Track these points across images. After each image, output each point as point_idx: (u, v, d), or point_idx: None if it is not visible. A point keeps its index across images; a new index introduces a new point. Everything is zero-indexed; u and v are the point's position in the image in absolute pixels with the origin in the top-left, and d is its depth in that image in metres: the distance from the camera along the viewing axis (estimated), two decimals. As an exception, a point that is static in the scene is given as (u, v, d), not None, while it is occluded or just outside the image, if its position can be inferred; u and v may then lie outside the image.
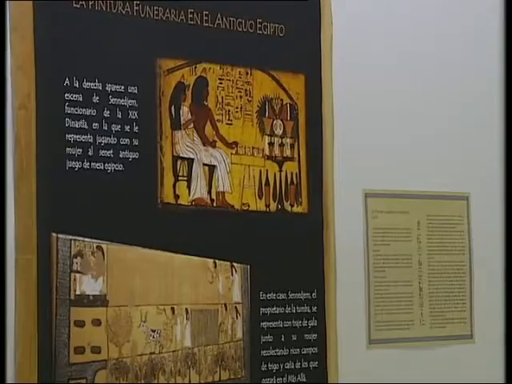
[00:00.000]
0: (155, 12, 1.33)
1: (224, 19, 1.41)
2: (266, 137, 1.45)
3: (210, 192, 1.39)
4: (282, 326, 1.43)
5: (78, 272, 1.22)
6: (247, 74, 1.42)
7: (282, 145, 1.46)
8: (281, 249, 1.44)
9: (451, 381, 1.55)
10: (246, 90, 1.43)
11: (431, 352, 1.57)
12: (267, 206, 1.45)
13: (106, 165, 1.25)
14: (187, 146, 1.37)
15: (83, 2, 1.29)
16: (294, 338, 1.43)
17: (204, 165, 1.38)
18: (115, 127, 1.26)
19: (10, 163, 1.18)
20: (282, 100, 1.46)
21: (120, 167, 1.26)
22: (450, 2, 1.65)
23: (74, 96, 1.22)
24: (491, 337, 1.59)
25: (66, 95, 1.21)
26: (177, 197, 1.34)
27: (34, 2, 1.26)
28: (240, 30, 1.42)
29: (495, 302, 1.64)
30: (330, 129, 1.49)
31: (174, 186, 1.34)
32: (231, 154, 1.41)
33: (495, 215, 1.60)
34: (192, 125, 1.37)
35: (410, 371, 1.56)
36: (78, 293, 1.21)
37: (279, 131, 1.46)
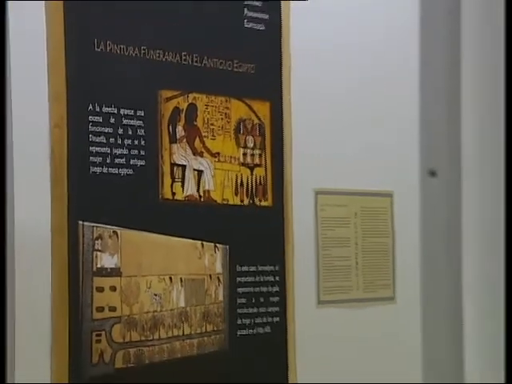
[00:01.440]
0: (157, 54, 1.38)
1: (209, 60, 1.45)
2: (241, 149, 1.50)
3: (198, 190, 1.44)
4: (252, 290, 1.49)
5: (99, 251, 1.30)
6: (226, 101, 1.48)
7: (252, 155, 1.52)
8: (252, 233, 1.51)
9: (378, 332, 1.62)
10: (225, 114, 1.48)
11: (364, 310, 1.63)
12: (242, 201, 1.50)
13: (120, 170, 1.32)
14: (181, 155, 1.42)
15: (102, 47, 1.31)
16: (262, 299, 1.50)
17: (194, 170, 1.44)
18: (127, 141, 1.33)
19: (48, 169, 1.23)
20: (252, 121, 1.51)
21: (130, 172, 1.33)
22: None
23: (95, 118, 1.29)
24: (407, 299, 1.65)
25: (89, 117, 1.29)
26: (173, 194, 1.40)
27: (66, 45, 1.25)
28: (221, 68, 1.47)
29: (411, 273, 1.67)
30: (288, 142, 1.55)
31: (172, 185, 1.40)
32: (214, 161, 1.47)
33: (412, 208, 1.65)
34: (185, 139, 1.43)
35: (348, 325, 1.62)
36: (98, 266, 1.29)
37: (251, 144, 1.51)
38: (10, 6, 1.14)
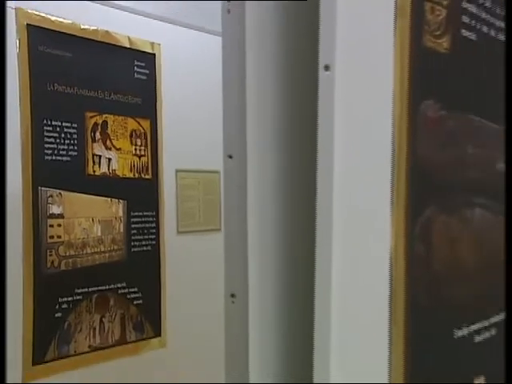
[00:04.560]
0: (84, 91, 1.66)
1: (115, 95, 1.72)
2: (133, 146, 1.75)
3: (109, 169, 1.70)
4: (140, 226, 1.79)
5: (51, 204, 1.58)
6: (125, 119, 1.73)
7: (140, 149, 1.76)
8: (140, 193, 1.77)
9: (211, 249, 1.79)
10: (124, 126, 1.74)
11: (204, 237, 1.95)
12: (134, 175, 1.74)
13: (63, 157, 1.60)
14: (98, 149, 1.67)
15: (52, 87, 1.56)
16: (145, 231, 1.80)
17: (106, 158, 1.68)
18: (66, 141, 1.62)
19: (19, 158, 1.51)
20: (140, 130, 1.77)
21: (69, 159, 1.62)
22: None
23: (48, 128, 1.58)
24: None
25: (44, 127, 1.58)
26: (94, 171, 1.67)
27: (30, 85, 1.50)
28: (122, 100, 1.73)
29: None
30: (160, 142, 1.81)
31: (93, 167, 1.67)
32: (118, 153, 1.71)
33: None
34: (101, 141, 1.68)
35: (195, 245, 1.89)
36: (50, 212, 1.58)
37: (139, 143, 1.77)
38: None
